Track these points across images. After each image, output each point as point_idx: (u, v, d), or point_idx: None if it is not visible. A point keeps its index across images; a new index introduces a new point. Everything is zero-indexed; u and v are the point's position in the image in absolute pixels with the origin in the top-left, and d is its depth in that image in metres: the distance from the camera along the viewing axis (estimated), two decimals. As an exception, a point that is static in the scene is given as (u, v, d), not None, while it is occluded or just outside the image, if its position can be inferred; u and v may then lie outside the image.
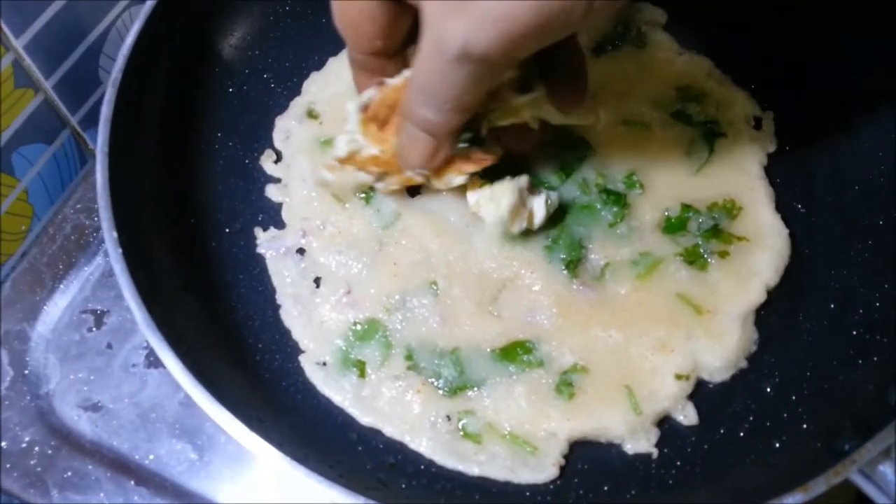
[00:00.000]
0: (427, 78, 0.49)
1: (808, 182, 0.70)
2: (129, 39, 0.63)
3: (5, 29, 0.69)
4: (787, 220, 0.67)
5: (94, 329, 0.72)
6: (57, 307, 0.72)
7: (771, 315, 0.64)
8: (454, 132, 0.56)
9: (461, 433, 0.59)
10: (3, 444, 0.66)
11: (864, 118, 0.69)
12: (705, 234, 0.65)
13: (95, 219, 0.77)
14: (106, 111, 0.61)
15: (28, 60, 0.72)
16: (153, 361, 0.70)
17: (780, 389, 0.61)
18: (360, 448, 0.59)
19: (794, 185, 0.70)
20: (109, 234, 0.56)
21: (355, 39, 0.55)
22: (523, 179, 0.63)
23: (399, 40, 0.55)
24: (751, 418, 0.60)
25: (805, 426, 0.58)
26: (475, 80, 0.48)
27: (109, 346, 0.71)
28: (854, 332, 0.62)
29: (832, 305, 0.64)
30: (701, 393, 0.62)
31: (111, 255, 0.56)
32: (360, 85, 0.59)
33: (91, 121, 0.85)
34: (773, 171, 0.70)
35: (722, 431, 0.60)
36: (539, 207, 0.63)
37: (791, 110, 0.72)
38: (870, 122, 0.69)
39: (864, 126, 0.69)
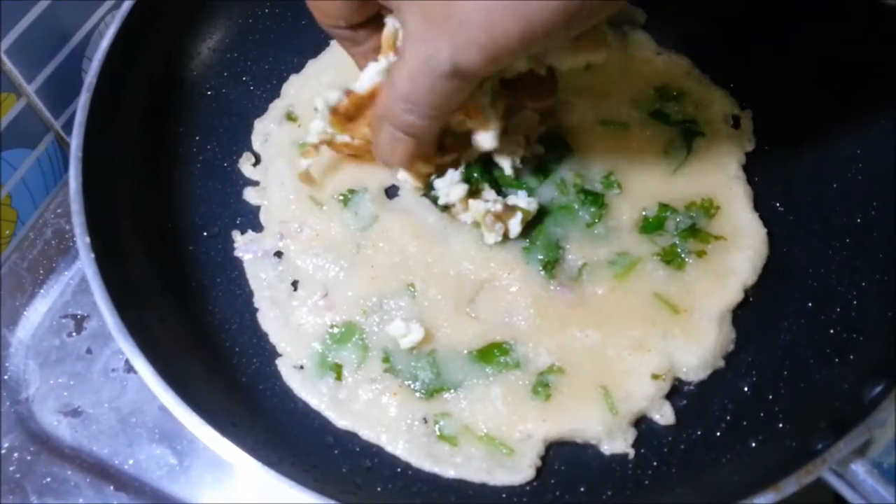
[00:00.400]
0: (412, 88, 0.50)
1: (786, 181, 0.70)
2: (105, 43, 0.63)
3: (-16, 34, 0.69)
4: (765, 219, 0.67)
5: (73, 334, 0.72)
6: (37, 312, 0.72)
7: (749, 314, 0.64)
8: (437, 132, 0.56)
9: (437, 435, 0.59)
10: (-18, 450, 0.66)
11: (842, 117, 0.69)
12: (683, 233, 0.65)
13: (75, 223, 0.76)
14: (80, 116, 0.61)
15: (10, 65, 0.72)
16: (133, 366, 0.70)
17: (757, 389, 0.61)
18: (336, 451, 0.59)
19: (772, 184, 0.69)
20: (82, 239, 0.56)
21: (320, 18, 0.57)
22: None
23: (364, 20, 0.57)
24: (728, 418, 0.60)
25: (781, 425, 0.58)
26: (463, 90, 0.49)
27: (89, 350, 0.71)
28: (832, 331, 0.62)
29: (810, 304, 0.64)
30: (678, 393, 0.61)
31: (83, 259, 0.56)
32: (341, 45, 0.60)
33: (74, 125, 0.85)
34: (752, 170, 0.70)
35: (699, 432, 0.60)
36: (515, 224, 0.63)
37: (769, 109, 0.71)
38: (848, 121, 0.69)
39: (843, 124, 0.69)
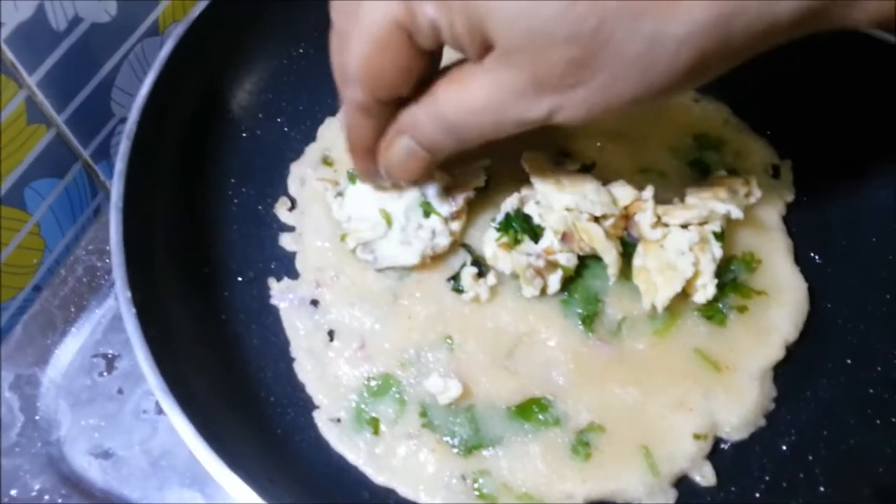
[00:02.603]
0: (469, 118, 0.47)
1: (823, 231, 0.69)
2: (144, 90, 0.63)
3: (18, 66, 0.68)
4: (802, 270, 0.66)
5: (105, 374, 0.71)
6: (68, 351, 0.72)
7: (787, 369, 0.63)
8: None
9: (476, 494, 0.58)
10: (13, 492, 0.66)
11: (879, 167, 0.68)
12: (724, 288, 0.64)
13: (107, 261, 0.76)
14: (120, 165, 0.60)
15: (41, 96, 0.72)
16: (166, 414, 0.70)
17: (796, 449, 0.60)
18: (373, 506, 0.59)
19: (809, 234, 0.69)
20: (123, 294, 0.56)
21: (377, 87, 0.49)
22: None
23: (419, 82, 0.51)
24: (767, 478, 0.60)
25: (822, 489, 0.58)
26: (521, 129, 0.46)
27: (120, 391, 0.71)
28: (871, 391, 0.61)
29: (849, 361, 0.63)
30: (717, 451, 0.61)
31: (124, 315, 0.55)
32: (357, 127, 0.54)
33: (102, 153, 0.85)
34: (788, 219, 0.69)
35: (739, 491, 0.59)
36: (554, 280, 0.62)
37: (806, 158, 0.71)
38: (886, 172, 0.68)
39: (880, 175, 0.68)
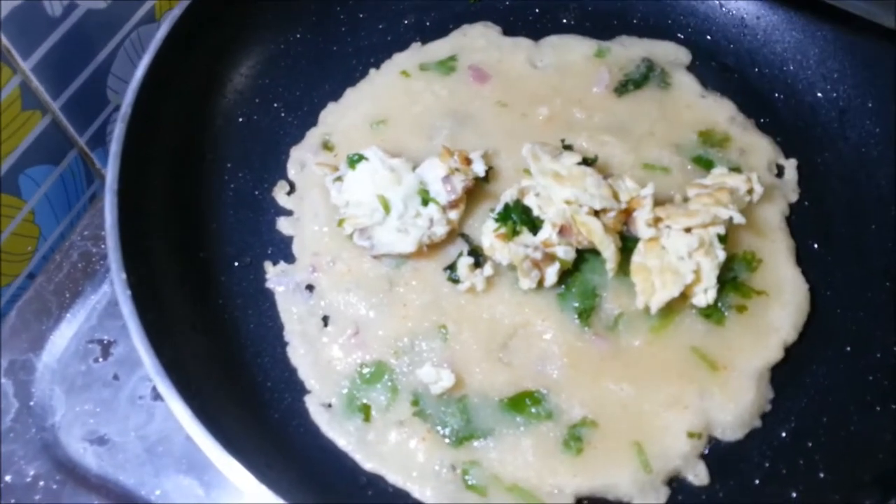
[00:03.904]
0: None
1: (823, 219, 0.68)
2: (139, 72, 0.62)
3: (13, 51, 0.68)
4: (801, 259, 0.65)
5: (100, 359, 0.71)
6: (63, 337, 0.72)
7: (786, 357, 0.62)
8: None
9: (466, 484, 0.58)
10: (8, 478, 0.66)
11: (881, 156, 0.68)
12: (724, 287, 0.63)
13: (102, 246, 0.75)
14: (115, 147, 0.60)
15: (35, 82, 0.72)
16: (160, 394, 0.69)
17: (796, 435, 0.60)
18: (369, 492, 0.59)
19: (809, 222, 0.68)
20: (118, 276, 0.56)
21: None
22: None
23: None
24: (766, 465, 0.59)
25: (822, 475, 0.57)
26: None
27: (116, 377, 0.70)
28: (870, 378, 0.61)
29: (848, 348, 0.63)
30: (712, 449, 0.60)
31: (120, 296, 0.55)
32: None
33: (99, 140, 0.84)
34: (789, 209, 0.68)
35: (735, 477, 0.59)
36: (552, 273, 0.62)
37: (806, 149, 0.70)
38: (886, 161, 0.67)
39: (881, 164, 0.68)
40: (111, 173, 0.59)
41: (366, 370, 0.62)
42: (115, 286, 0.56)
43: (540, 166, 0.63)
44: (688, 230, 0.61)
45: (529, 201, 0.63)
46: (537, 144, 0.66)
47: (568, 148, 0.68)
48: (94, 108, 0.81)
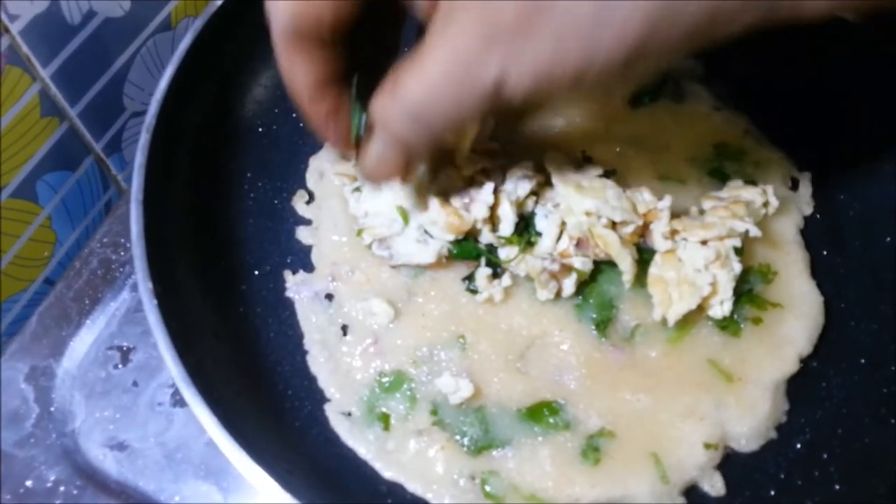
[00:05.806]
0: (429, 98, 0.44)
1: (837, 231, 0.69)
2: (163, 83, 0.63)
3: (33, 59, 0.68)
4: (814, 271, 0.66)
5: (120, 366, 0.72)
6: (83, 343, 0.72)
7: (801, 368, 0.63)
8: (438, 148, 0.52)
9: (484, 493, 0.59)
10: (28, 483, 0.66)
11: (893, 169, 0.68)
12: (739, 299, 0.64)
13: (122, 253, 0.76)
14: (140, 158, 0.60)
15: (54, 90, 0.72)
16: (179, 400, 0.70)
17: (810, 447, 0.60)
18: (389, 501, 0.59)
19: (823, 234, 0.69)
20: (144, 285, 0.56)
21: (299, 18, 0.50)
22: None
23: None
24: (781, 476, 0.60)
25: (837, 487, 0.58)
26: (488, 111, 0.44)
27: (135, 383, 0.71)
28: (885, 390, 0.61)
29: (862, 361, 0.63)
30: (728, 460, 0.61)
31: (146, 306, 0.56)
32: (291, 68, 0.52)
33: (115, 147, 0.85)
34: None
35: (751, 488, 0.59)
36: (569, 284, 0.62)
37: (818, 160, 0.70)
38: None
39: (894, 177, 0.68)
40: (136, 183, 0.60)
41: (385, 379, 0.63)
42: (141, 295, 0.56)
43: (561, 176, 0.64)
44: (704, 242, 0.61)
45: (540, 210, 0.64)
46: (558, 153, 0.66)
47: (588, 160, 0.69)
48: (110, 115, 0.82)
